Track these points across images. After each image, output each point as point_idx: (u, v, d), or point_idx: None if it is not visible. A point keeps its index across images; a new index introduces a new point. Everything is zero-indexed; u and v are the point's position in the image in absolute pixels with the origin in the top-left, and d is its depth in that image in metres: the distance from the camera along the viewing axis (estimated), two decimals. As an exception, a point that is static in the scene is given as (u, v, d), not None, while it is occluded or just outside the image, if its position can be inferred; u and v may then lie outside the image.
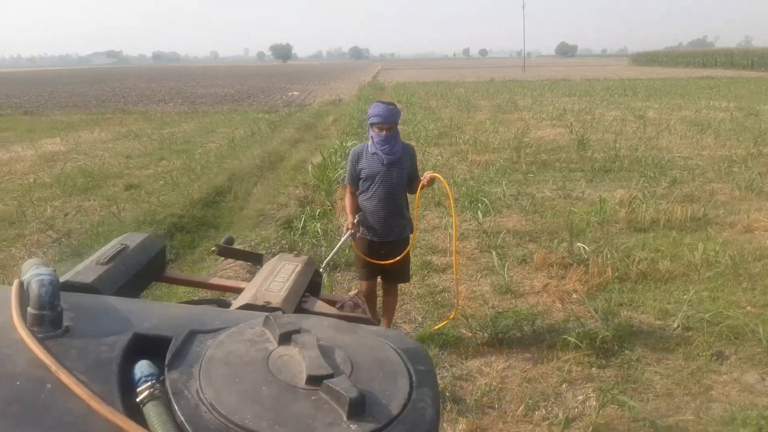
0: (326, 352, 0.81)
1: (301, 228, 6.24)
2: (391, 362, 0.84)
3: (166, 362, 0.77)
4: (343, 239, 3.81)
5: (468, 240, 6.22)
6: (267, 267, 1.53)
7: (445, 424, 3.15)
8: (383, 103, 3.74)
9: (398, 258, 3.74)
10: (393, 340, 0.91)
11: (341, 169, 8.45)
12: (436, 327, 4.14)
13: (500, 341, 3.99)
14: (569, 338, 3.86)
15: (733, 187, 8.18)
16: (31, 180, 9.42)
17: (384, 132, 3.61)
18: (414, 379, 0.81)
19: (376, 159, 3.67)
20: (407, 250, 3.85)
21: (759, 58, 58.72)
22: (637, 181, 8.58)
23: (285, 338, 0.83)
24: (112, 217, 7.03)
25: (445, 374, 3.63)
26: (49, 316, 0.83)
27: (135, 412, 0.70)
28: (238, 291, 1.52)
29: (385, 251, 3.77)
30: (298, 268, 1.48)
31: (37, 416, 0.69)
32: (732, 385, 3.49)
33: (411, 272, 4.26)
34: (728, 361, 3.75)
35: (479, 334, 4.08)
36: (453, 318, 4.15)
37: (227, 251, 1.88)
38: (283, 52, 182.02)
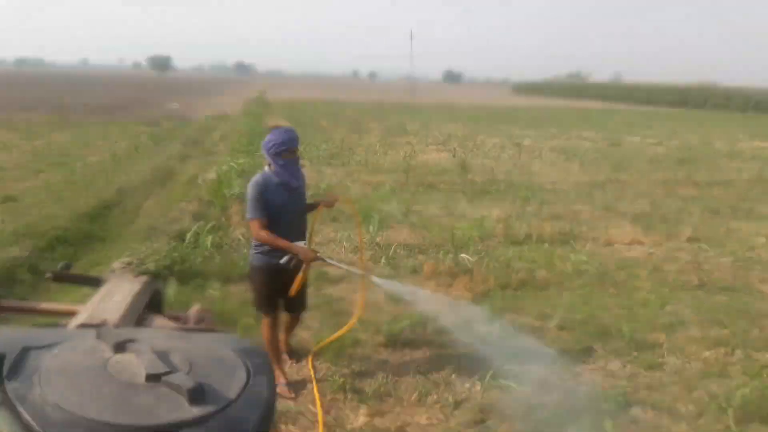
0: (163, 355, 0.84)
1: (194, 241, 6.22)
2: (228, 358, 0.90)
3: (5, 374, 0.80)
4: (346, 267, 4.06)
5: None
6: (105, 288, 1.54)
7: (347, 411, 3.40)
8: (284, 128, 3.58)
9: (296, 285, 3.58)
10: (229, 341, 0.97)
11: (236, 186, 8.48)
12: (337, 334, 4.33)
13: (394, 342, 4.31)
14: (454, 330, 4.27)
15: (594, 208, 9.23)
16: None
17: (294, 157, 3.55)
18: (251, 369, 0.87)
19: (281, 188, 3.53)
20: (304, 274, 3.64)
21: (627, 92, 65.71)
22: (512, 201, 9.40)
23: (120, 347, 0.86)
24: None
25: (345, 371, 3.88)
26: None
27: None
28: (74, 314, 1.50)
29: (288, 279, 3.60)
30: (136, 288, 1.52)
31: None
32: (598, 372, 4.05)
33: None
34: (596, 354, 4.32)
35: (375, 337, 4.38)
36: (353, 324, 4.38)
37: (64, 277, 1.86)
38: (161, 63, 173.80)
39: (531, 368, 3.89)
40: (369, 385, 3.68)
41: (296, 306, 3.89)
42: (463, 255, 6.01)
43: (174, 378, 0.78)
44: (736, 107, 48.96)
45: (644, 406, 3.60)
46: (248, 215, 3.57)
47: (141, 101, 33.22)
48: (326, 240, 6.93)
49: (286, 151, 3.48)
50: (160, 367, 0.80)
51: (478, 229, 7.27)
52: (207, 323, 1.62)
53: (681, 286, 5.68)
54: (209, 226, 6.50)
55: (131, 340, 0.88)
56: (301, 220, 3.75)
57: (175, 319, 1.60)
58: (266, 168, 3.58)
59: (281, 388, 3.61)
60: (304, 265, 3.52)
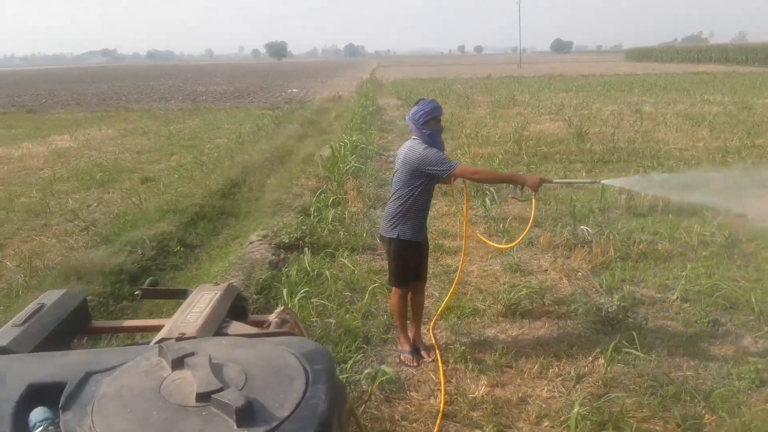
0: (219, 369, 0.85)
1: (318, 215, 6.57)
2: (288, 366, 0.90)
3: (60, 405, 0.82)
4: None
5: (477, 226, 6.56)
6: (188, 300, 1.56)
7: (468, 381, 3.49)
8: (428, 99, 3.67)
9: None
10: (294, 345, 0.98)
11: (351, 161, 8.78)
12: (443, 304, 4.41)
13: (513, 312, 4.34)
14: (578, 307, 4.21)
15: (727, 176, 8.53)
16: (47, 174, 9.71)
17: (439, 126, 3.60)
18: (310, 378, 0.87)
19: None
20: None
21: (753, 53, 59.35)
22: (635, 170, 8.92)
23: (178, 363, 0.88)
24: (134, 207, 7.34)
25: (465, 340, 3.97)
26: None
27: None
28: (159, 329, 1.52)
29: (423, 250, 3.79)
30: (216, 296, 1.53)
31: None
32: (728, 347, 3.83)
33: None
34: (724, 327, 4.09)
35: (493, 306, 4.42)
36: (454, 291, 4.45)
37: (152, 293, 1.89)
38: (278, 50, 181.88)
39: (654, 343, 3.77)
40: (489, 356, 3.75)
41: (422, 275, 3.91)
42: (582, 227, 5.86)
43: (223, 396, 0.78)
44: None
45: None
46: (445, 168, 3.44)
47: (262, 87, 35.03)
48: (439, 215, 7.01)
49: (433, 119, 3.56)
50: (212, 384, 0.80)
51: (599, 201, 7.03)
52: (290, 326, 1.61)
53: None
54: (330, 200, 6.81)
55: (190, 354, 0.88)
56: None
57: (259, 323, 1.61)
58: (412, 138, 3.64)
59: (404, 356, 3.78)
60: (533, 192, 3.58)
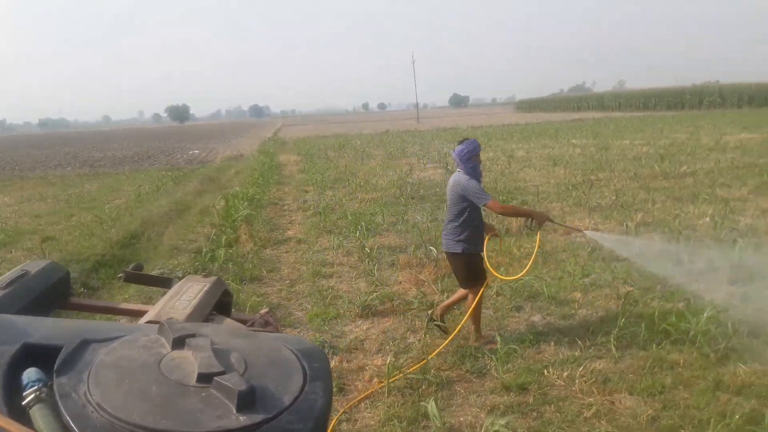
0: (220, 353, 0.83)
1: (211, 255, 7.45)
2: (287, 360, 0.88)
3: (55, 368, 0.78)
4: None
5: (351, 255, 7.68)
6: (174, 288, 1.53)
7: (322, 359, 4.51)
8: (471, 139, 4.60)
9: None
10: (291, 342, 0.95)
11: (244, 209, 9.76)
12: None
13: (367, 313, 5.43)
14: (415, 303, 5.38)
15: (565, 204, 10.27)
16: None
17: (479, 161, 4.54)
18: (308, 374, 0.85)
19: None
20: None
21: (625, 99, 66.57)
22: (492, 204, 10.47)
23: (179, 342, 0.84)
24: (39, 259, 7.85)
25: (327, 335, 5.01)
26: None
27: (23, 416, 0.72)
28: (144, 314, 1.48)
29: (481, 260, 4.69)
30: (205, 288, 1.49)
31: None
32: (522, 323, 5.09)
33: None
34: (524, 310, 5.38)
35: (352, 310, 5.51)
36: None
37: (135, 277, 1.87)
38: (180, 113, 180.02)
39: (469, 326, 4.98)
40: (343, 343, 4.84)
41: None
42: (431, 247, 7.13)
43: (226, 379, 0.76)
44: (731, 104, 49.81)
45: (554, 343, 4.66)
46: (483, 201, 4.40)
47: (163, 150, 35.18)
48: (322, 249, 8.10)
49: (476, 155, 4.49)
50: (213, 366, 0.78)
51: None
52: (272, 328, 1.59)
53: (611, 259, 6.71)
54: (222, 240, 7.72)
55: (191, 335, 0.86)
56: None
57: (242, 321, 1.56)
58: (458, 171, 4.55)
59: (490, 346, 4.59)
60: (537, 225, 4.57)
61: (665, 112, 52.43)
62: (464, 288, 4.71)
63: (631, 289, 5.62)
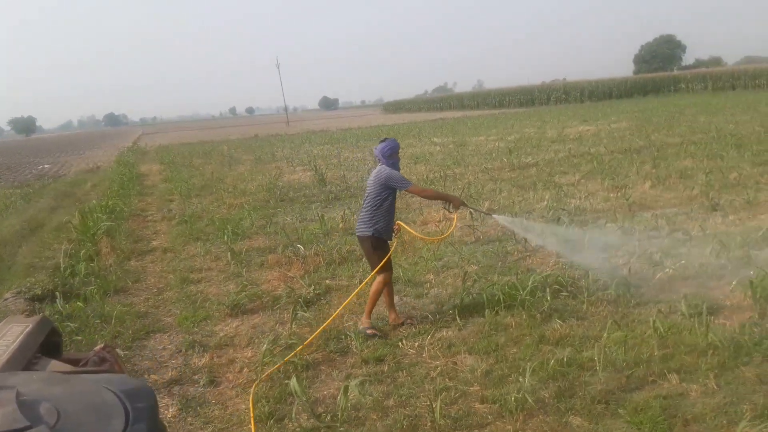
0: (28, 405, 0.78)
1: (71, 270, 7.19)
2: (107, 404, 0.84)
3: None
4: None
5: (219, 260, 7.78)
6: None
7: (195, 358, 4.68)
8: (390, 138, 5.14)
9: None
10: (114, 383, 0.92)
11: (102, 222, 9.44)
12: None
13: (236, 312, 5.65)
14: (283, 297, 5.69)
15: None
16: None
17: (398, 157, 5.09)
18: (131, 416, 0.82)
19: None
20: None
21: (482, 99, 71.17)
22: (357, 202, 11.00)
23: None
24: None
25: (197, 336, 5.16)
26: None
27: None
28: None
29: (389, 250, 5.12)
30: (27, 329, 1.39)
31: None
32: (380, 305, 5.59)
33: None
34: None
35: (221, 309, 5.69)
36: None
37: None
38: (25, 126, 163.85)
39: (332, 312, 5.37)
40: (212, 340, 5.02)
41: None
42: (299, 246, 7.45)
43: None
44: (575, 99, 55.47)
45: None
46: (403, 186, 4.94)
47: (9, 167, 32.04)
48: (189, 256, 8.11)
49: (396, 152, 5.04)
50: (17, 422, 0.73)
51: (322, 227, 8.77)
52: (109, 364, 1.51)
53: (462, 242, 7.46)
54: (81, 254, 7.49)
55: None
56: None
57: (74, 362, 1.47)
58: (380, 165, 5.03)
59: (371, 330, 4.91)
60: (454, 208, 5.07)
61: (518, 108, 56.96)
62: (377, 273, 5.00)
63: (475, 267, 6.35)
